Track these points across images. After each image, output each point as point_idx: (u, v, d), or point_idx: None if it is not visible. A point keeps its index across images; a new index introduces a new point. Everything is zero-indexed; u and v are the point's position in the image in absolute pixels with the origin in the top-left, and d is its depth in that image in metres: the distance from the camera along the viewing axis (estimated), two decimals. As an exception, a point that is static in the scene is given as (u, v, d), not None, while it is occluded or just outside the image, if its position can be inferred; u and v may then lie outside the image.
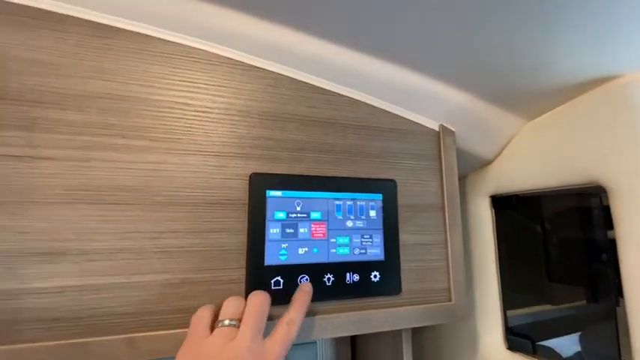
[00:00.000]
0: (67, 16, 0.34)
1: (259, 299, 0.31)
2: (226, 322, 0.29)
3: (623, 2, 0.29)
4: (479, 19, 0.32)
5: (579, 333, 0.49)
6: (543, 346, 0.47)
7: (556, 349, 0.47)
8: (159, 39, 0.37)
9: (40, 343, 0.29)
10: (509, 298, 0.49)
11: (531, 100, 0.44)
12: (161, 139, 0.35)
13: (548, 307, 0.53)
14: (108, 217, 0.33)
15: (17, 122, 0.32)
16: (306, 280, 0.38)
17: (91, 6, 0.34)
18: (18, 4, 0.32)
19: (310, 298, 0.35)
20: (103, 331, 0.31)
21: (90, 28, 0.34)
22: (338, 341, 0.65)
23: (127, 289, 0.32)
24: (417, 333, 0.64)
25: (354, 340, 0.67)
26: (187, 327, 0.33)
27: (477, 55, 0.38)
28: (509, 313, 0.50)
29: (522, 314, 0.52)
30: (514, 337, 0.48)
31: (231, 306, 0.31)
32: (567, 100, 0.42)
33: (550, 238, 0.48)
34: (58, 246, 0.31)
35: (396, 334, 0.54)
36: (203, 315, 0.31)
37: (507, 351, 0.48)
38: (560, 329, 0.50)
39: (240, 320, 0.30)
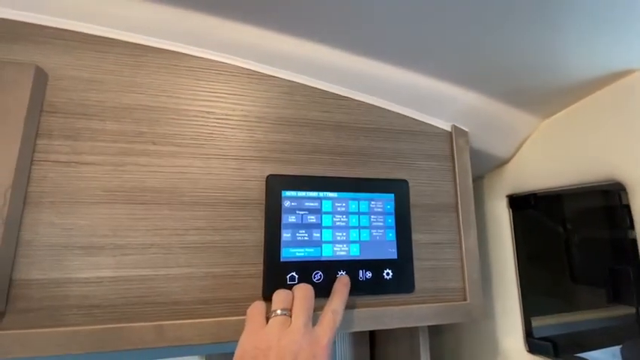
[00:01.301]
0: (107, 38, 0.38)
1: (306, 292, 0.34)
2: (279, 311, 0.32)
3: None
4: (486, 21, 0.33)
5: (620, 345, 0.47)
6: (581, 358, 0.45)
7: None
8: (185, 54, 0.40)
9: (81, 327, 0.33)
10: (531, 300, 0.48)
11: (545, 98, 0.43)
12: (187, 145, 0.39)
13: (581, 316, 0.51)
14: (140, 216, 0.36)
15: (65, 132, 0.36)
16: (320, 275, 0.39)
17: (127, 28, 0.38)
18: (66, 30, 0.37)
19: (349, 290, 0.38)
20: (135, 318, 0.34)
21: (126, 48, 0.39)
22: (357, 342, 0.66)
23: (156, 281, 0.36)
24: (436, 335, 0.64)
25: (372, 341, 0.67)
26: (209, 317, 0.36)
27: (486, 56, 0.39)
28: (537, 322, 0.48)
29: (554, 324, 0.50)
30: (535, 340, 0.46)
31: (281, 298, 0.34)
32: (583, 97, 0.41)
33: (572, 237, 0.47)
34: (97, 241, 0.35)
35: (414, 336, 0.54)
36: (259, 306, 0.34)
37: (528, 354, 0.46)
38: (598, 341, 0.48)
39: (290, 310, 0.33)
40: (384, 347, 0.64)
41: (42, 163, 0.35)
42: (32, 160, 0.35)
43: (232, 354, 0.31)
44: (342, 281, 0.38)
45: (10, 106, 0.33)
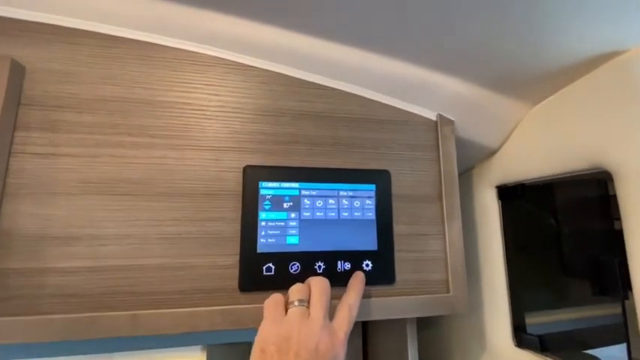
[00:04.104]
0: (80, 30, 0.38)
1: (323, 285, 0.35)
2: (296, 303, 0.33)
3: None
4: (465, 4, 0.32)
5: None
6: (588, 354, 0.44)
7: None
8: (160, 45, 0.40)
9: (57, 316, 0.33)
10: (519, 292, 0.47)
11: (534, 83, 0.42)
12: (162, 136, 0.39)
13: (582, 314, 0.50)
14: (116, 207, 0.37)
15: (42, 125, 0.36)
16: (298, 267, 0.39)
17: (100, 20, 0.38)
18: (39, 23, 0.37)
19: (364, 285, 0.38)
20: (110, 307, 0.35)
21: (100, 40, 0.39)
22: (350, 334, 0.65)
23: (132, 271, 0.36)
24: (426, 329, 0.63)
25: (365, 333, 0.67)
26: (185, 307, 0.36)
27: (470, 41, 0.37)
28: (538, 320, 0.47)
29: (555, 321, 0.49)
30: (522, 334, 0.45)
31: (298, 289, 0.35)
32: (572, 80, 0.39)
33: (562, 228, 0.45)
34: (74, 232, 0.35)
35: (402, 329, 0.53)
36: (277, 298, 0.35)
37: (515, 348, 0.45)
38: (601, 338, 0.46)
39: (307, 301, 0.33)
40: (375, 339, 0.64)
41: (20, 155, 0.36)
42: (10, 152, 0.35)
43: (231, 345, 0.31)
44: (358, 277, 0.39)
45: (-14, 99, 0.34)
